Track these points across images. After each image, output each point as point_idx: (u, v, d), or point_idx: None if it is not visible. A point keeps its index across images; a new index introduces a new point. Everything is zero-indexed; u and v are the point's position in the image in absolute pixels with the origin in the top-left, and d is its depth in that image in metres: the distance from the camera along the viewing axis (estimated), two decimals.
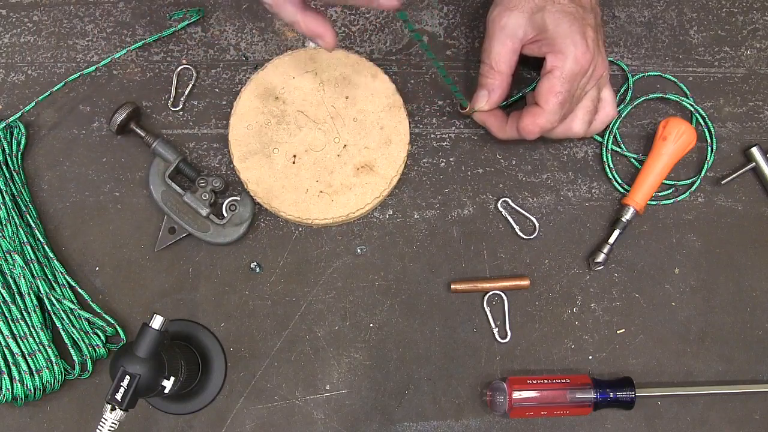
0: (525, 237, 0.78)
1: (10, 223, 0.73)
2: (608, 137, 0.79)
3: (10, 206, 0.74)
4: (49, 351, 0.72)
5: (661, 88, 0.81)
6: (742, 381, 0.76)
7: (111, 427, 0.63)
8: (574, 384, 0.73)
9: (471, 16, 0.82)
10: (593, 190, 0.79)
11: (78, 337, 0.73)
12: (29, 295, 0.72)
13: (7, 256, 0.72)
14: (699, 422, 0.75)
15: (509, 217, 0.78)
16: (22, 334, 0.72)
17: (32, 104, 0.76)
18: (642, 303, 0.77)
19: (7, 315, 0.72)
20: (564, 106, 0.69)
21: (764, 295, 0.78)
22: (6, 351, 0.71)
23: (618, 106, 0.80)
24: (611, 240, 0.76)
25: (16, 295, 0.72)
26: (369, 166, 0.75)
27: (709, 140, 0.80)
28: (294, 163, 0.75)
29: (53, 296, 0.73)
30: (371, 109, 0.76)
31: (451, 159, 0.79)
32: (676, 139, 0.76)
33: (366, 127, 0.76)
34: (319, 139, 0.75)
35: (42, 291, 0.72)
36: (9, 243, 0.72)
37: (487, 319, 0.76)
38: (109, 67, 0.81)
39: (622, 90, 0.81)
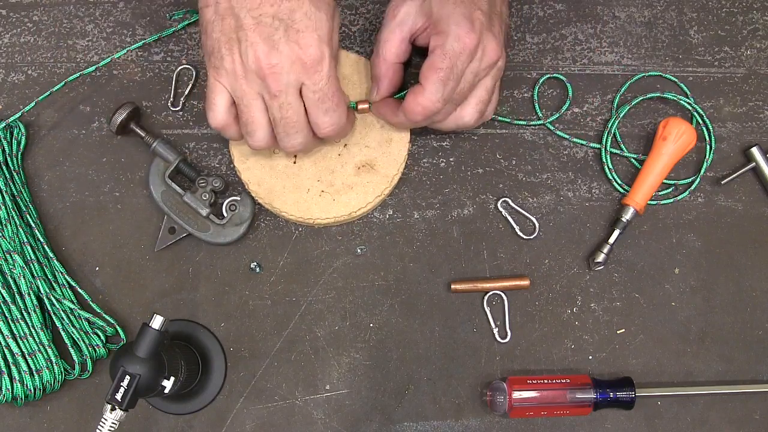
0: (525, 237, 0.78)
1: (10, 223, 0.73)
2: (607, 138, 0.79)
3: (10, 206, 0.74)
4: (49, 351, 0.72)
5: (661, 88, 0.81)
6: (742, 381, 0.76)
7: (111, 427, 0.62)
8: (574, 384, 0.73)
9: None
10: (593, 190, 0.79)
11: (78, 337, 0.73)
12: (29, 295, 0.72)
13: (7, 256, 0.72)
14: (699, 422, 0.75)
15: (509, 217, 0.78)
16: (22, 334, 0.72)
17: (32, 104, 0.76)
18: (642, 303, 0.77)
19: (7, 315, 0.72)
20: (446, 85, 0.67)
21: (764, 295, 0.78)
22: (6, 351, 0.71)
23: (619, 108, 0.80)
24: (611, 240, 0.76)
25: (16, 295, 0.72)
26: (370, 164, 0.75)
27: (708, 139, 0.80)
28: (295, 163, 0.75)
29: (53, 296, 0.73)
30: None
31: (451, 159, 0.79)
32: (676, 139, 0.76)
33: (366, 126, 0.76)
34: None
35: (42, 291, 0.72)
36: (9, 243, 0.72)
37: (487, 319, 0.77)
38: (109, 67, 0.81)
39: (622, 90, 0.81)
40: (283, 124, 0.66)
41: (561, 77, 0.80)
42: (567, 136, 0.80)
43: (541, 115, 0.80)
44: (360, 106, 0.74)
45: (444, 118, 0.71)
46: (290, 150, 0.69)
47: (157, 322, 0.64)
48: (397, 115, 0.71)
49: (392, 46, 0.71)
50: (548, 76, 0.80)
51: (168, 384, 0.64)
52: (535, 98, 0.80)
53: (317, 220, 0.75)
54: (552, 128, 0.79)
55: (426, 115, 0.69)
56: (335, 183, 0.75)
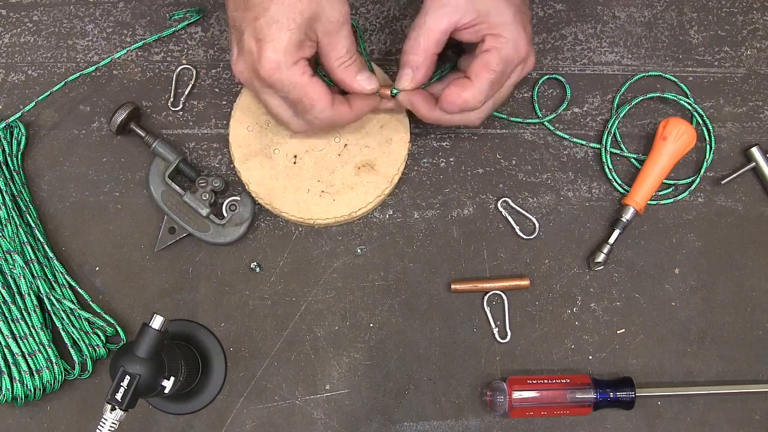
0: (525, 237, 0.78)
1: (10, 223, 0.73)
2: (607, 138, 0.79)
3: (10, 206, 0.74)
4: (49, 351, 0.72)
5: (661, 88, 0.81)
6: (742, 381, 0.76)
7: (111, 427, 0.62)
8: (574, 384, 0.73)
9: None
10: (593, 190, 0.79)
11: (78, 337, 0.73)
12: (29, 295, 0.72)
13: (7, 256, 0.72)
14: (699, 422, 0.75)
15: (509, 217, 0.78)
16: (22, 334, 0.72)
17: (32, 104, 0.76)
18: (642, 303, 0.77)
19: (7, 315, 0.72)
20: (494, 87, 0.67)
21: (764, 295, 0.78)
22: (6, 351, 0.71)
23: (619, 108, 0.80)
24: (611, 240, 0.76)
25: (16, 295, 0.72)
26: (370, 165, 0.75)
27: (708, 139, 0.80)
28: (295, 163, 0.75)
29: (53, 296, 0.73)
30: None
31: (451, 159, 0.79)
32: (676, 139, 0.76)
33: (366, 126, 0.76)
34: (320, 139, 0.75)
35: (42, 291, 0.72)
36: (9, 243, 0.72)
37: (487, 319, 0.77)
38: (109, 67, 0.81)
39: (622, 90, 0.81)
40: (272, 117, 0.70)
41: (560, 78, 0.80)
42: (567, 136, 0.80)
43: (540, 114, 0.80)
44: (383, 92, 0.70)
45: (476, 118, 0.70)
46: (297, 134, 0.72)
47: (157, 322, 0.64)
48: (434, 111, 0.70)
49: (437, 35, 0.67)
50: (548, 76, 0.80)
51: (168, 384, 0.64)
52: (535, 98, 0.80)
53: (317, 221, 0.75)
54: (551, 128, 0.79)
55: (463, 109, 0.68)
56: (335, 183, 0.75)
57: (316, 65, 0.70)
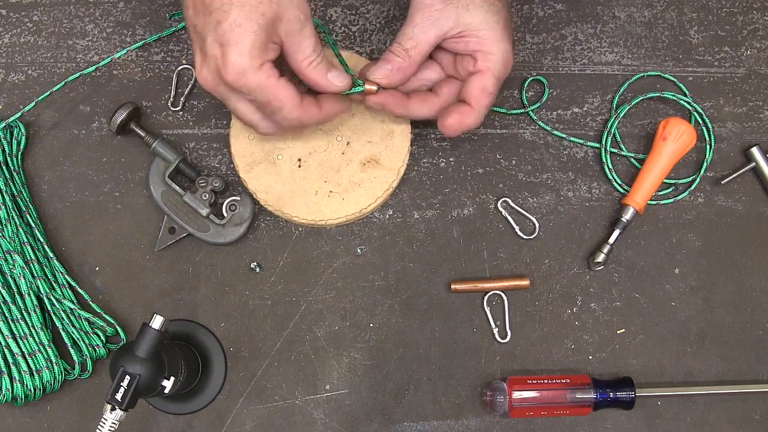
0: (525, 237, 0.78)
1: (10, 223, 0.73)
2: (607, 138, 0.79)
3: (10, 206, 0.74)
4: (49, 351, 0.72)
5: (661, 88, 0.81)
6: (742, 381, 0.76)
7: (111, 427, 0.62)
8: (574, 384, 0.73)
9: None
10: (593, 190, 0.79)
11: (78, 337, 0.73)
12: (29, 295, 0.72)
13: (7, 256, 0.72)
14: (699, 422, 0.75)
15: (509, 217, 0.78)
16: (22, 334, 0.72)
17: (32, 104, 0.76)
18: (642, 303, 0.77)
19: (7, 315, 0.72)
20: (490, 107, 0.70)
21: (764, 295, 0.78)
22: (6, 351, 0.71)
23: (618, 107, 0.80)
24: (611, 240, 0.76)
25: (16, 295, 0.72)
26: (375, 159, 0.75)
27: (707, 138, 0.80)
28: (300, 166, 0.75)
29: (53, 296, 0.73)
30: None
31: (451, 159, 0.79)
32: (676, 139, 0.76)
33: (367, 122, 0.75)
34: (322, 140, 0.75)
35: (42, 291, 0.72)
36: (9, 243, 0.72)
37: (487, 319, 0.77)
38: (109, 67, 0.81)
39: (621, 90, 0.81)
40: (239, 119, 0.68)
41: (542, 79, 0.80)
42: (564, 135, 0.80)
43: (535, 118, 0.80)
44: (368, 87, 0.69)
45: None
46: (272, 136, 0.70)
47: (157, 322, 0.64)
48: (407, 108, 0.71)
49: (425, 48, 0.68)
50: (531, 78, 0.81)
51: (168, 384, 0.64)
52: (523, 100, 0.80)
53: (329, 221, 0.75)
54: (534, 117, 0.79)
55: (464, 132, 0.70)
56: (342, 182, 0.75)
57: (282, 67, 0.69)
